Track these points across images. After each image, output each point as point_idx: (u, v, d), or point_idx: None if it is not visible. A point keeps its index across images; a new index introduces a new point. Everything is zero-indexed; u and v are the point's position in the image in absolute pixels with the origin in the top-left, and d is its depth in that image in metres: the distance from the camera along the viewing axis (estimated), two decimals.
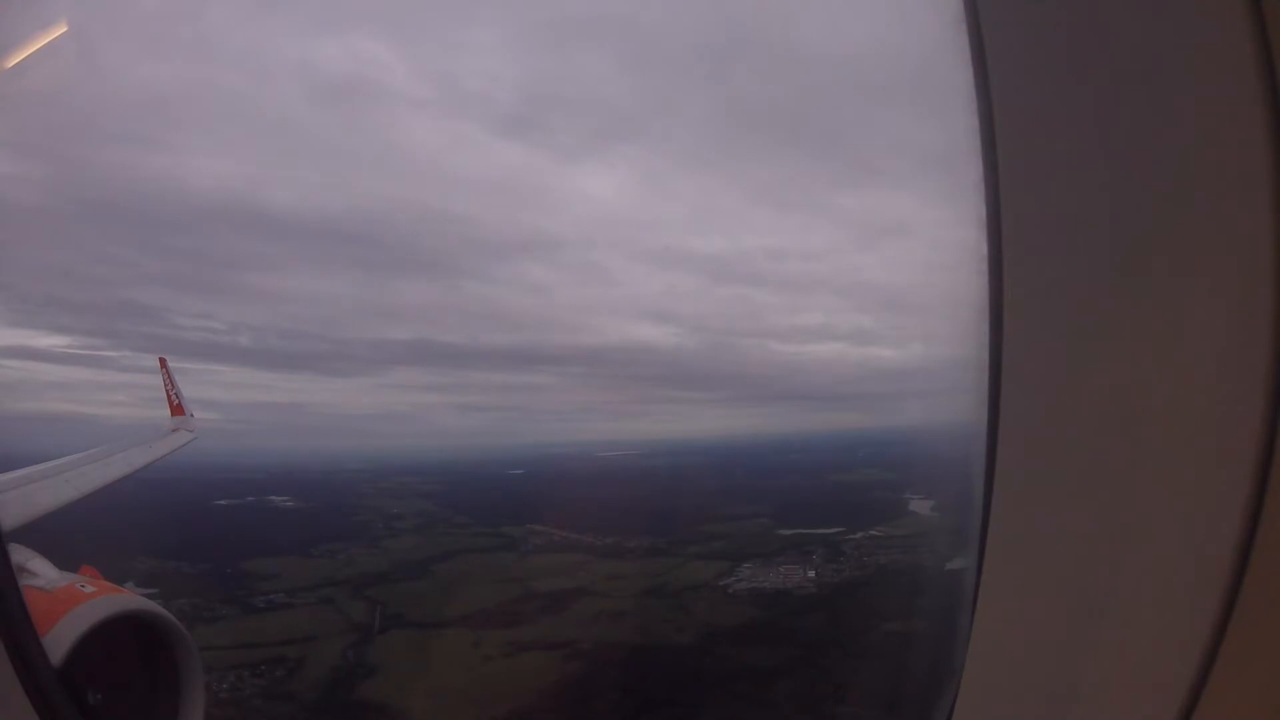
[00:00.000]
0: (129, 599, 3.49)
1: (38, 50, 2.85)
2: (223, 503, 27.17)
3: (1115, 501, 1.28)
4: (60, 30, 2.88)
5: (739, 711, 17.68)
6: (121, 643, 3.25)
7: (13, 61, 2.88)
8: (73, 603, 3.17)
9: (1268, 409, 1.09)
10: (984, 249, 1.37)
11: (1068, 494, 1.35)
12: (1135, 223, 1.21)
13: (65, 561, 3.94)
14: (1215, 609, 1.14)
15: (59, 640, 2.85)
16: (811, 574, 24.23)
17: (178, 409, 11.13)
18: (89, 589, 3.41)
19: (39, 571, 3.68)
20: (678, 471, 35.05)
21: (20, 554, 3.69)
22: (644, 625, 21.88)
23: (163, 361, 11.85)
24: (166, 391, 11.26)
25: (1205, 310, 1.17)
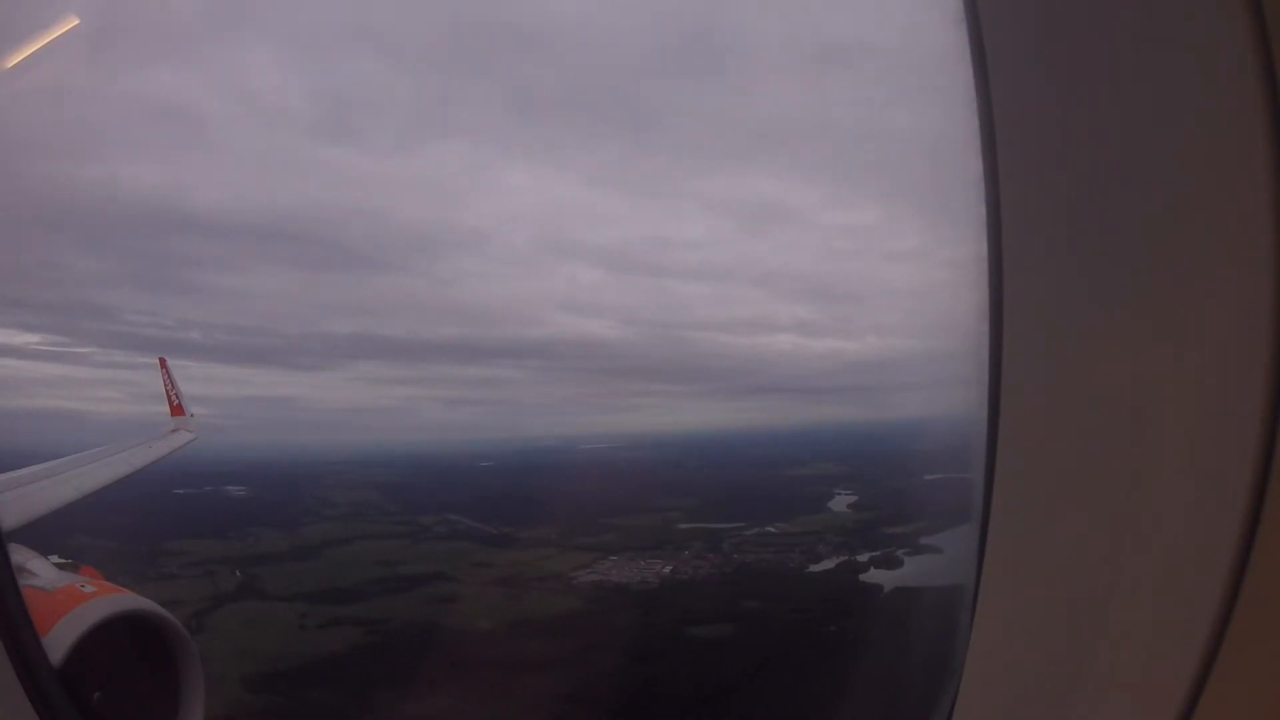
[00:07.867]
0: (129, 599, 3.49)
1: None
2: (180, 491, 27.45)
3: (1115, 501, 1.28)
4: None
5: (484, 699, 17.74)
6: (121, 643, 3.25)
7: None
8: (73, 603, 3.17)
9: (1268, 409, 1.09)
10: (984, 249, 1.37)
11: (1068, 494, 1.35)
12: (1135, 222, 1.21)
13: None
14: (1215, 608, 1.14)
15: (59, 640, 2.85)
16: (668, 569, 23.56)
17: (177, 409, 11.08)
18: (89, 589, 3.41)
19: (39, 571, 3.68)
20: (639, 464, 34.97)
21: (20, 554, 3.69)
22: (465, 610, 22.37)
23: (163, 362, 11.70)
24: (166, 391, 11.19)
25: (1205, 309, 1.17)
